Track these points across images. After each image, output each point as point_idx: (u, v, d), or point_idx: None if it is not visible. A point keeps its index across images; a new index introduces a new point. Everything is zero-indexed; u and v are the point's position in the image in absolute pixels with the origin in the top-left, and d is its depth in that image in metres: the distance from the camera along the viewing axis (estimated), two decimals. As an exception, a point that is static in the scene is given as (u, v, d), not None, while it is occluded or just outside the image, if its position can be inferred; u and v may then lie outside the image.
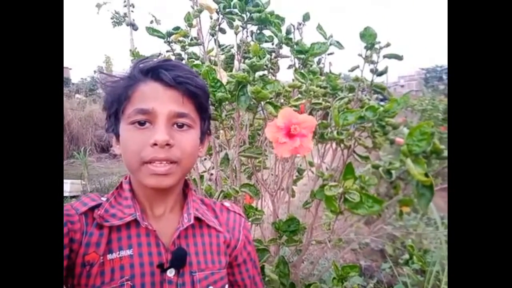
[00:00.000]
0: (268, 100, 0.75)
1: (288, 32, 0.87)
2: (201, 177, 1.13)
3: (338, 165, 0.97)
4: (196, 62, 1.08)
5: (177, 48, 1.06)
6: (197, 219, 0.57)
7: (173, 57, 1.08)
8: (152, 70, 0.52)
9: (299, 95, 0.91)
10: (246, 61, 0.69)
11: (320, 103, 0.79)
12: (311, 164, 1.16)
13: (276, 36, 0.84)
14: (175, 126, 0.51)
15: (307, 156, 1.21)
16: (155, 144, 0.48)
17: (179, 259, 0.52)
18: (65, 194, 3.99)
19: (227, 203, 0.65)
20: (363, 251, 2.47)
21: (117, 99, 0.52)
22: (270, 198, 1.00)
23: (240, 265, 0.62)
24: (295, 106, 0.78)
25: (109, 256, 0.50)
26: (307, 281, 1.21)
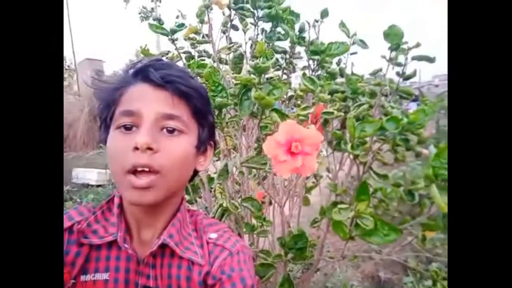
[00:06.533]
0: (274, 107, 0.67)
1: (301, 30, 0.78)
2: (211, 179, 1.07)
3: (356, 178, 0.88)
4: (207, 60, 1.01)
5: (187, 45, 1.00)
6: (164, 246, 0.47)
7: (183, 55, 1.03)
8: (141, 71, 0.47)
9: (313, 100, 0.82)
10: (250, 62, 0.62)
11: (332, 113, 0.69)
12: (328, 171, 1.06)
13: (288, 34, 0.75)
14: (164, 130, 0.45)
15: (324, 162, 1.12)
16: (137, 148, 0.42)
17: None
18: (91, 183, 4.07)
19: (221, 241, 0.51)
20: (383, 261, 2.31)
21: (106, 104, 0.48)
22: (279, 210, 0.93)
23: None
24: (304, 115, 0.69)
25: (82, 278, 0.45)
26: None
